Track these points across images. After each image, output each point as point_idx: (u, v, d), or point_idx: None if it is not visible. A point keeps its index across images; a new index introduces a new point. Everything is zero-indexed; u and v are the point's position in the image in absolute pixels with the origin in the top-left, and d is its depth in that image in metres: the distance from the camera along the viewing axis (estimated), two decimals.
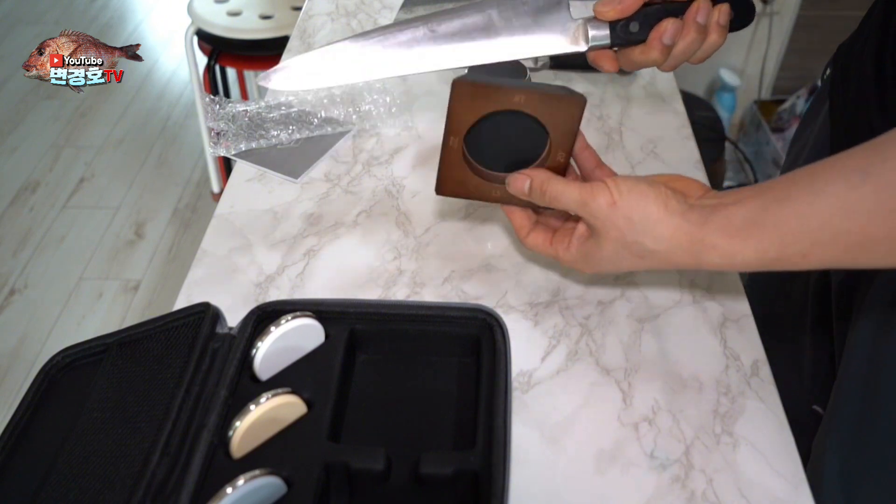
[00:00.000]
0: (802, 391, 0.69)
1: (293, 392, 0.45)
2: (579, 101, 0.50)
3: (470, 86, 0.49)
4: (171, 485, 0.40)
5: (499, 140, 0.53)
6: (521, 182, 0.51)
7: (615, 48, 0.52)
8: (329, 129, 0.78)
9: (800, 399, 0.67)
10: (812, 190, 0.39)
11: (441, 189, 0.55)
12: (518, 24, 0.51)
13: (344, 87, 0.85)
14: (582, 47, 0.51)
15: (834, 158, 0.39)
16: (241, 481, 0.39)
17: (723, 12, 0.50)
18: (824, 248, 0.38)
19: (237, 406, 0.44)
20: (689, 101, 1.93)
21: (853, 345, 0.56)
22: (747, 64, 2.02)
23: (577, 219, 0.50)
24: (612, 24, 0.51)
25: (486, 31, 0.51)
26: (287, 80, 0.53)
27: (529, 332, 0.59)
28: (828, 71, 0.65)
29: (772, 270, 0.42)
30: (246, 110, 0.79)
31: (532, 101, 0.50)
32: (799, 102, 1.88)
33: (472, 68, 0.71)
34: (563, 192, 0.48)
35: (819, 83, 0.69)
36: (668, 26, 0.49)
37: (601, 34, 0.51)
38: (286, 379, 0.47)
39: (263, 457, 0.43)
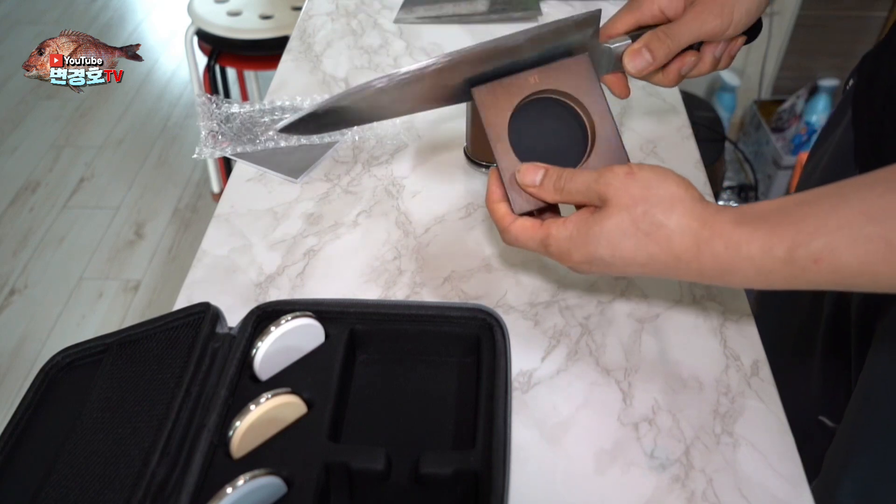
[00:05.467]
0: (809, 399, 0.68)
1: (293, 392, 0.45)
2: (583, 59, 0.50)
3: (487, 89, 0.49)
4: (171, 485, 0.40)
5: (545, 141, 0.51)
6: (532, 172, 0.48)
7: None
8: None
9: (806, 407, 0.67)
10: (837, 194, 0.37)
11: (519, 205, 0.48)
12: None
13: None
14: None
15: (860, 175, 0.38)
16: (241, 481, 0.39)
17: (737, 45, 0.55)
18: (839, 253, 0.36)
19: (237, 406, 0.44)
20: (689, 101, 1.93)
21: (875, 366, 0.55)
22: (747, 64, 2.02)
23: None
24: None
25: (512, 53, 0.49)
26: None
27: (529, 332, 0.59)
28: (850, 81, 0.64)
29: (774, 288, 0.39)
30: (240, 112, 0.79)
31: (545, 76, 0.50)
32: (799, 102, 1.88)
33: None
34: (579, 173, 0.46)
35: (818, 84, 0.69)
36: (687, 60, 0.53)
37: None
38: (286, 379, 0.47)
39: (263, 457, 0.43)
